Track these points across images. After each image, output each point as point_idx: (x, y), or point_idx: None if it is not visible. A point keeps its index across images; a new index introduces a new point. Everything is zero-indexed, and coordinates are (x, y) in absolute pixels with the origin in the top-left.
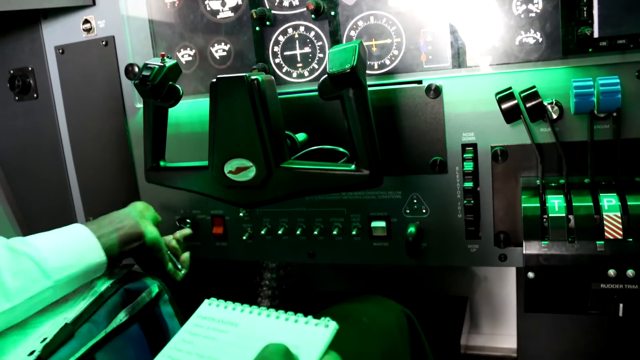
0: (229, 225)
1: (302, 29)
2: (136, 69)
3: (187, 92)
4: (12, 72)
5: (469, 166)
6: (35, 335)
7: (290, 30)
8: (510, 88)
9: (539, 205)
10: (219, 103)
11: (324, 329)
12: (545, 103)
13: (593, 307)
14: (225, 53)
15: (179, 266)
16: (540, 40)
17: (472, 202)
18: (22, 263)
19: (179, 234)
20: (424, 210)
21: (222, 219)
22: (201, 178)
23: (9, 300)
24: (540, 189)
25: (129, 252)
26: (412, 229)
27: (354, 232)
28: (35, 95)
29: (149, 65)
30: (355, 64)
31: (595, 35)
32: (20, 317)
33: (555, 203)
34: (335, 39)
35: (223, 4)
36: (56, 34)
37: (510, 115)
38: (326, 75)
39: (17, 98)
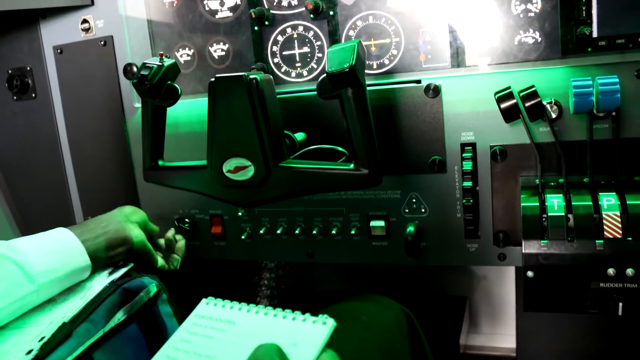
0: (227, 225)
1: (300, 28)
2: (135, 69)
3: (185, 92)
4: (10, 71)
5: (468, 165)
6: (33, 334)
7: (289, 30)
8: (509, 87)
9: (538, 204)
10: (217, 102)
11: (321, 327)
12: (544, 102)
13: (592, 306)
14: (224, 53)
15: (174, 262)
16: (539, 39)
17: (471, 201)
18: (6, 267)
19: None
20: (423, 210)
21: (221, 218)
22: (200, 177)
23: None
24: (540, 188)
25: (118, 255)
26: (411, 229)
27: (353, 232)
28: (33, 95)
29: (147, 65)
30: (354, 63)
31: (595, 34)
32: (4, 320)
33: (555, 202)
34: (334, 39)
35: (222, 4)
36: (55, 34)
37: (510, 115)
38: (325, 75)
39: (15, 98)
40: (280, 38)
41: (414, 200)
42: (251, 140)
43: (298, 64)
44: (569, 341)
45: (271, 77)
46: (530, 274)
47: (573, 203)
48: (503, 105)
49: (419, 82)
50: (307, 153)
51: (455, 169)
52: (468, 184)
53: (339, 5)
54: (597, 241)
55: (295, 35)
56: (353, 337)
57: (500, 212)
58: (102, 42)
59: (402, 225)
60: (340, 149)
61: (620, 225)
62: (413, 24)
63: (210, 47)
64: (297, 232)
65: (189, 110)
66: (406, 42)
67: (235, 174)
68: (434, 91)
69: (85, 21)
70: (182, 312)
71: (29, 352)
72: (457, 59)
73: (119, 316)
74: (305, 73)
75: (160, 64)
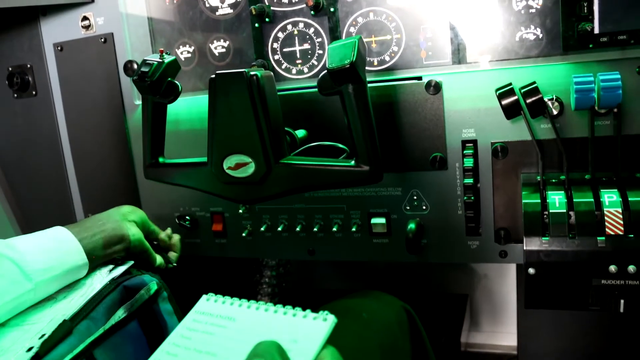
0: (228, 222)
1: (301, 25)
2: (135, 66)
3: (186, 89)
4: (10, 69)
5: (469, 162)
6: (33, 331)
7: (289, 27)
8: (510, 84)
9: (539, 201)
10: (218, 99)
11: (322, 323)
12: (545, 99)
13: (594, 303)
14: (224, 50)
15: (172, 259)
16: (541, 36)
17: (472, 198)
18: (4, 265)
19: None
20: (424, 207)
21: (222, 216)
22: (200, 174)
23: None
24: (541, 185)
25: (112, 254)
26: (412, 226)
27: (353, 229)
28: (34, 93)
29: (147, 62)
30: (354, 59)
31: (596, 31)
32: (2, 318)
33: (556, 199)
34: (334, 36)
35: (222, 1)
36: (55, 31)
37: (511, 111)
38: (325, 71)
39: (15, 95)
40: (280, 35)
41: (414, 198)
42: (252, 136)
43: (299, 61)
44: (570, 339)
45: (272, 73)
46: (531, 271)
47: (574, 200)
48: (504, 102)
49: (419, 78)
50: (308, 150)
51: (456, 166)
52: (469, 181)
53: (339, 2)
54: (598, 238)
55: (295, 32)
56: (354, 333)
57: (501, 209)
58: (102, 40)
59: (403, 222)
60: (341, 145)
61: (621, 222)
62: (414, 20)
63: (210, 44)
64: (297, 229)
65: (190, 107)
66: (407, 38)
67: (236, 170)
68: (435, 88)
69: (85, 18)
70: (183, 310)
71: (30, 349)
72: (458, 55)
73: (120, 314)
74: (305, 70)
75: (161, 60)
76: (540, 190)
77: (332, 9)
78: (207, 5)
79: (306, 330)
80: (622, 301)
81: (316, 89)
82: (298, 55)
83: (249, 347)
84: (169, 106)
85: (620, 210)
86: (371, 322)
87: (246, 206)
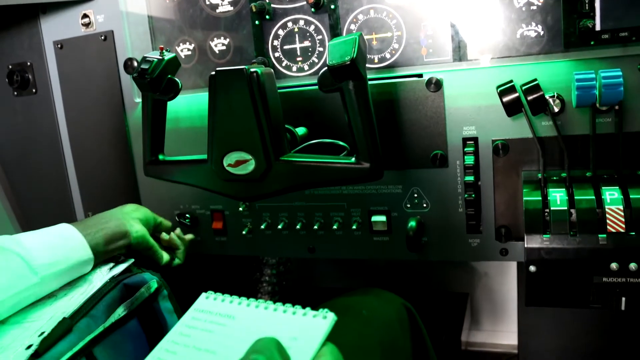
0: (228, 220)
1: (301, 22)
2: (135, 64)
3: (186, 87)
4: (10, 67)
5: (469, 160)
6: (33, 329)
7: (289, 24)
8: (511, 81)
9: (540, 198)
10: (218, 96)
11: (322, 321)
12: (546, 96)
13: (595, 301)
14: (224, 47)
15: (179, 256)
16: (542, 33)
17: (473, 196)
18: (10, 260)
19: (179, 233)
20: (424, 205)
21: (222, 213)
22: (200, 171)
23: None
24: (542, 183)
25: (115, 250)
26: (412, 224)
27: (354, 227)
28: (34, 91)
29: (147, 59)
30: (355, 56)
31: (597, 28)
32: (6, 313)
33: (557, 196)
34: (335, 33)
35: None
36: (55, 29)
37: (512, 109)
38: (326, 68)
39: (15, 93)
40: (281, 32)
41: (415, 195)
42: (252, 133)
43: (299, 58)
44: (571, 338)
45: (272, 70)
46: (532, 268)
47: (576, 197)
48: (505, 99)
49: (420, 76)
50: (308, 147)
51: (457, 164)
52: (470, 178)
53: None
54: (599, 235)
55: (296, 30)
56: (354, 331)
57: (502, 206)
58: (102, 37)
59: (403, 220)
60: (341, 143)
61: (623, 220)
62: (414, 17)
63: (210, 42)
64: (298, 227)
65: (190, 105)
66: (407, 35)
67: (236, 167)
68: (436, 85)
69: (85, 16)
70: (183, 309)
71: (29, 347)
72: (459, 52)
73: (120, 312)
74: (306, 67)
75: (161, 57)
76: (541, 187)
77: (332, 6)
78: (207, 2)
79: (306, 328)
80: (623, 299)
81: (316, 87)
82: (298, 53)
83: (248, 345)
84: (169, 104)
85: (621, 207)
86: (371, 320)
87: (246, 204)
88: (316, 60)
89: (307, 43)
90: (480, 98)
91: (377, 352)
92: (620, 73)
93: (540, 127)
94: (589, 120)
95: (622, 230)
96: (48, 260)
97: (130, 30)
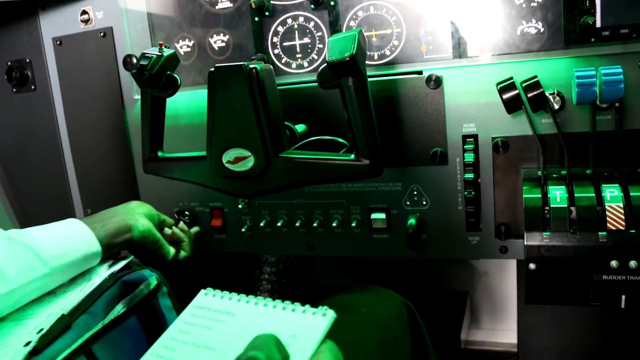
0: (227, 218)
1: (301, 19)
2: (134, 60)
3: (185, 83)
4: (9, 63)
5: (469, 157)
6: (32, 326)
7: (289, 21)
8: (511, 78)
9: (540, 196)
10: (217, 92)
11: (321, 318)
12: (546, 93)
13: (595, 299)
14: (224, 44)
15: (186, 249)
16: (542, 30)
17: (473, 193)
18: (20, 251)
19: (182, 226)
20: (424, 202)
21: (221, 211)
22: (199, 168)
23: (6, 285)
24: (542, 180)
25: (120, 244)
26: (412, 221)
27: (353, 224)
28: (33, 87)
29: (146, 55)
30: (354, 52)
31: (598, 24)
32: (17, 304)
33: (557, 194)
34: (334, 29)
35: None
36: (54, 25)
37: (512, 106)
38: (325, 64)
39: (14, 90)
40: (280, 29)
41: (415, 193)
42: (251, 130)
43: (299, 55)
44: (570, 336)
45: (271, 67)
46: (532, 266)
47: (576, 195)
48: (505, 96)
49: (420, 73)
50: (308, 144)
51: (456, 161)
52: (470, 175)
53: None
54: (599, 233)
55: (295, 26)
56: (353, 328)
57: (502, 204)
58: (101, 34)
59: (403, 217)
60: (340, 140)
61: (623, 217)
62: (414, 14)
63: (210, 38)
64: (297, 224)
65: (189, 101)
66: (407, 32)
67: (235, 164)
68: (436, 82)
69: (84, 12)
70: (182, 306)
71: (27, 343)
72: (459, 49)
73: (119, 309)
74: (305, 64)
75: (160, 53)
76: (541, 185)
77: (332, 3)
78: None
79: (305, 325)
80: (623, 297)
81: (316, 84)
82: (298, 50)
83: (247, 341)
84: (169, 101)
85: (621, 205)
86: (371, 317)
87: (245, 201)
88: (316, 57)
89: (306, 40)
90: (480, 95)
91: (377, 349)
92: (620, 70)
93: (540, 124)
94: (589, 118)
95: (622, 228)
96: (57, 252)
97: (130, 26)
